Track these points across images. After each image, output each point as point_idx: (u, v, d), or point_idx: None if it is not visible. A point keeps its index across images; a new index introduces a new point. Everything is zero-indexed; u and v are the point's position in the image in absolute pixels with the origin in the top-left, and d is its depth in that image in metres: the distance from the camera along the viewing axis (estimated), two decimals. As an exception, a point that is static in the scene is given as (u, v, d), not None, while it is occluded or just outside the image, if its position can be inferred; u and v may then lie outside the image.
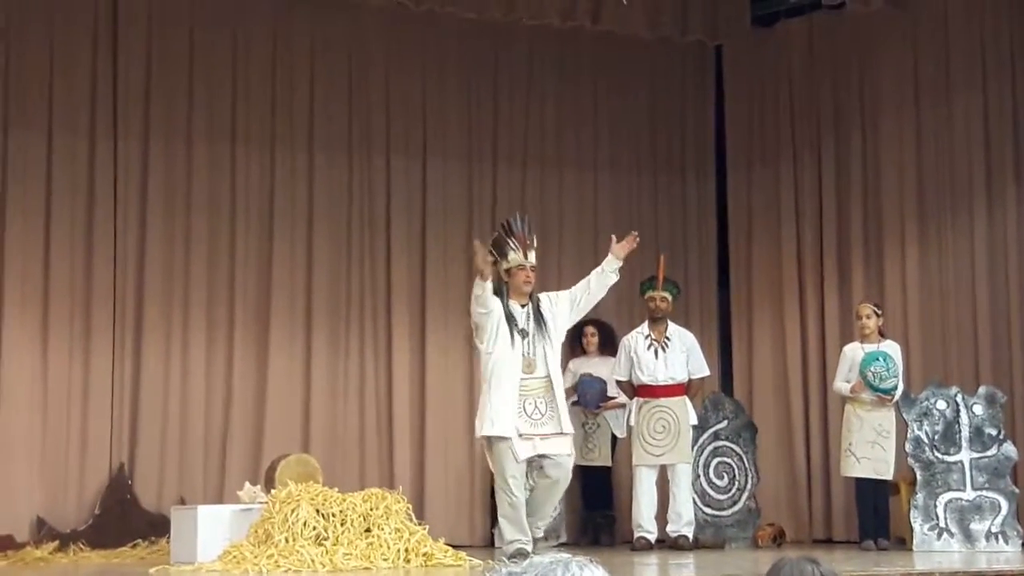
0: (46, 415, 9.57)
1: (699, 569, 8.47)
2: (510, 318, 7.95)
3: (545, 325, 8.02)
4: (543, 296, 8.15)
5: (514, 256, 7.96)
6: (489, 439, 7.86)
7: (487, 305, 7.89)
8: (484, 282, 7.81)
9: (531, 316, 8.01)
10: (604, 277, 8.11)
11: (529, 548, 7.75)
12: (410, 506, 8.06)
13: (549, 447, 7.89)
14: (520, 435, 7.80)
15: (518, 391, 7.86)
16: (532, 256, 8.01)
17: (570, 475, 8.11)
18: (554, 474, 7.93)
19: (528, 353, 7.94)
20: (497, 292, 7.95)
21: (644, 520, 9.51)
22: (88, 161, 9.90)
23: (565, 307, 8.12)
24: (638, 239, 8.24)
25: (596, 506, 10.44)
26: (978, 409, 9.16)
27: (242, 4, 10.34)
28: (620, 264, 8.10)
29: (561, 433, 7.94)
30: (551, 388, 7.95)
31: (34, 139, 9.76)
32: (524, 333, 7.96)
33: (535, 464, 7.95)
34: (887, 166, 10.59)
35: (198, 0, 10.27)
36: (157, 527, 9.36)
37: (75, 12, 9.93)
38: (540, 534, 8.12)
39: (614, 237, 8.23)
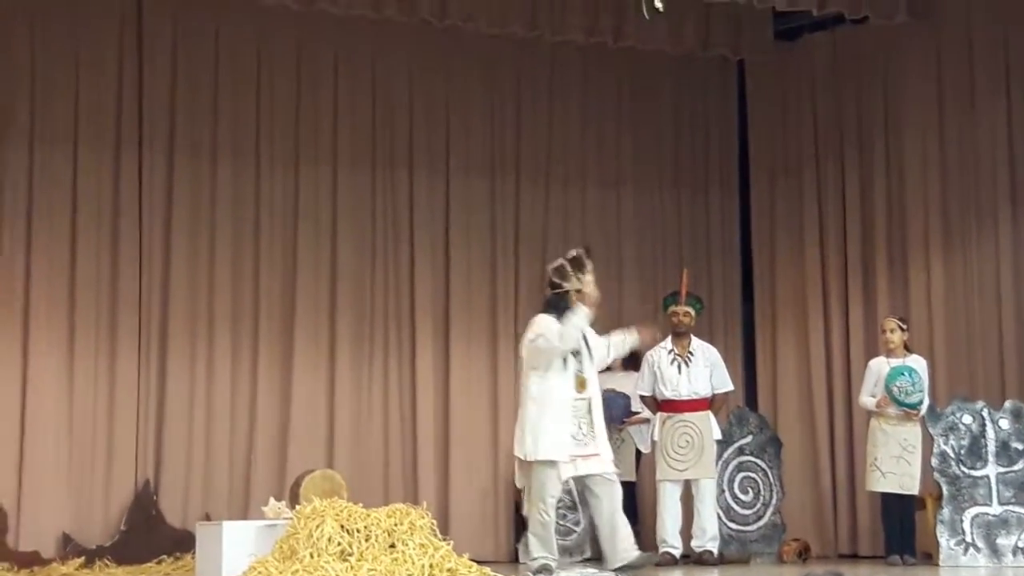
0: (72, 431, 9.60)
1: (724, 585, 8.46)
2: None
3: (588, 345, 8.12)
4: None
5: (588, 279, 8.07)
6: (538, 461, 7.89)
7: (576, 342, 7.98)
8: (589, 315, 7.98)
9: (583, 336, 8.13)
10: (619, 349, 8.36)
11: (554, 565, 7.87)
12: (435, 521, 8.05)
13: (592, 467, 7.99)
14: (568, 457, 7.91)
15: (570, 412, 7.95)
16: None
17: (619, 489, 8.16)
18: (601, 491, 8.00)
19: (579, 371, 8.07)
20: (562, 311, 8.01)
21: (668, 535, 9.50)
22: (113, 176, 9.94)
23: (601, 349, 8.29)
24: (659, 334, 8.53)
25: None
26: (1004, 423, 9.13)
27: (267, 19, 10.37)
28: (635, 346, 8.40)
29: (598, 454, 8.04)
30: (592, 408, 8.06)
31: (60, 153, 9.80)
32: (576, 352, 8.09)
33: (579, 485, 8.03)
34: (911, 178, 10.57)
35: (223, 15, 10.31)
36: (182, 543, 9.37)
37: (100, 27, 9.98)
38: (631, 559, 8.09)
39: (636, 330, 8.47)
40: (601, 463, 8.05)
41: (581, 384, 8.01)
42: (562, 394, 7.95)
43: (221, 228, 10.20)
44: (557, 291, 8.12)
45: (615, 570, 7.99)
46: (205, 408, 9.98)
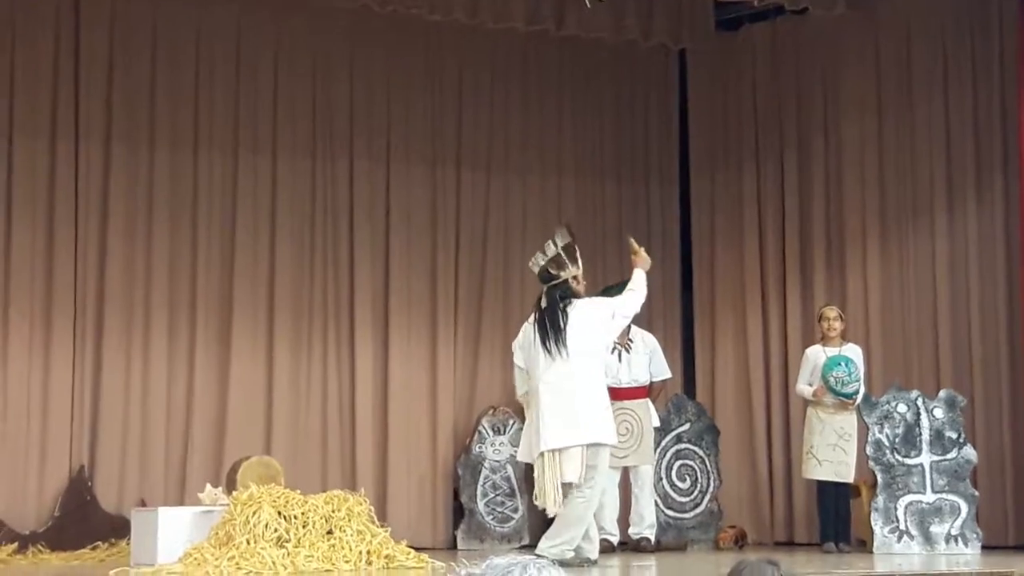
0: (5, 416, 9.49)
1: (661, 571, 8.50)
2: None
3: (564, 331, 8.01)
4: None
5: (580, 263, 8.05)
6: (595, 446, 7.79)
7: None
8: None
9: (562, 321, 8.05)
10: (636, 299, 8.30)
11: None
12: (372, 508, 8.05)
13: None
14: None
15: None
16: None
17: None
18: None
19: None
20: (570, 296, 7.96)
21: (606, 522, 9.50)
22: (49, 165, 9.81)
23: None
24: None
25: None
26: (938, 412, 9.22)
27: (205, 7, 10.29)
28: None
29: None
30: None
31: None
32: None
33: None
34: (849, 170, 10.64)
35: (161, 2, 10.22)
36: (117, 529, 9.30)
37: (37, 15, 9.86)
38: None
39: None
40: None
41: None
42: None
43: (158, 217, 10.10)
44: (554, 282, 7.98)
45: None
46: (141, 393, 9.90)
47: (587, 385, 7.84)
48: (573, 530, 7.79)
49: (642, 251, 8.31)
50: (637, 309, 8.12)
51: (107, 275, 9.91)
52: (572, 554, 7.70)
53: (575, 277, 7.93)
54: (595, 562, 7.92)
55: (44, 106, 9.84)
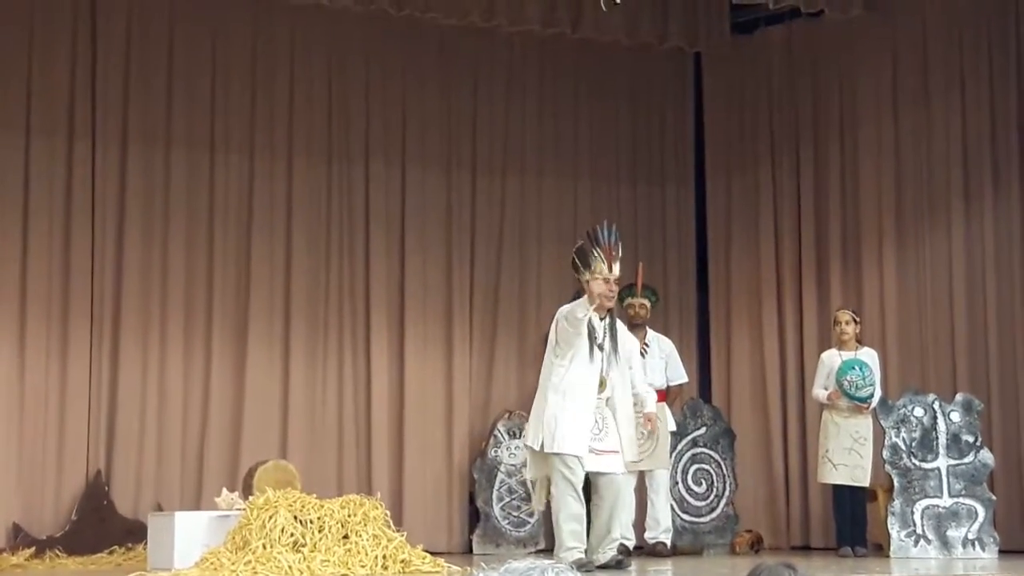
0: (23, 421, 9.51)
1: (677, 576, 8.48)
2: (591, 331, 7.80)
3: (616, 343, 7.90)
4: (619, 319, 8.06)
5: (602, 267, 7.72)
6: (558, 454, 7.68)
7: (581, 328, 7.73)
8: (591, 309, 7.67)
9: (607, 331, 7.89)
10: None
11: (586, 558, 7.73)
12: (388, 513, 8.05)
13: (604, 464, 7.79)
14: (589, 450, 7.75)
15: (593, 407, 7.78)
16: (616, 268, 7.80)
17: (624, 493, 8.07)
18: (607, 494, 7.81)
19: (603, 370, 7.85)
20: (576, 298, 7.82)
21: (622, 526, 9.47)
22: (66, 164, 9.84)
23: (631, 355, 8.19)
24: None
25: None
26: (955, 416, 9.19)
27: (222, 8, 10.30)
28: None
29: (616, 451, 7.85)
30: (613, 408, 7.87)
31: (11, 141, 9.70)
32: (602, 348, 7.85)
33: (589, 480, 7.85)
34: (866, 172, 10.62)
35: (178, 3, 10.24)
36: (134, 533, 9.31)
37: (54, 14, 9.88)
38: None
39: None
40: (611, 462, 7.83)
41: (602, 383, 7.80)
42: (586, 388, 7.73)
43: (175, 219, 10.12)
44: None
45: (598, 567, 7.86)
46: (157, 398, 9.91)
47: (541, 388, 7.92)
48: (558, 533, 7.76)
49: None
50: (577, 316, 7.73)
51: (124, 278, 9.93)
52: (580, 555, 7.67)
53: (587, 282, 7.78)
54: (613, 565, 7.86)
55: (61, 108, 9.87)
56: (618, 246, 7.83)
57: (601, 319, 7.86)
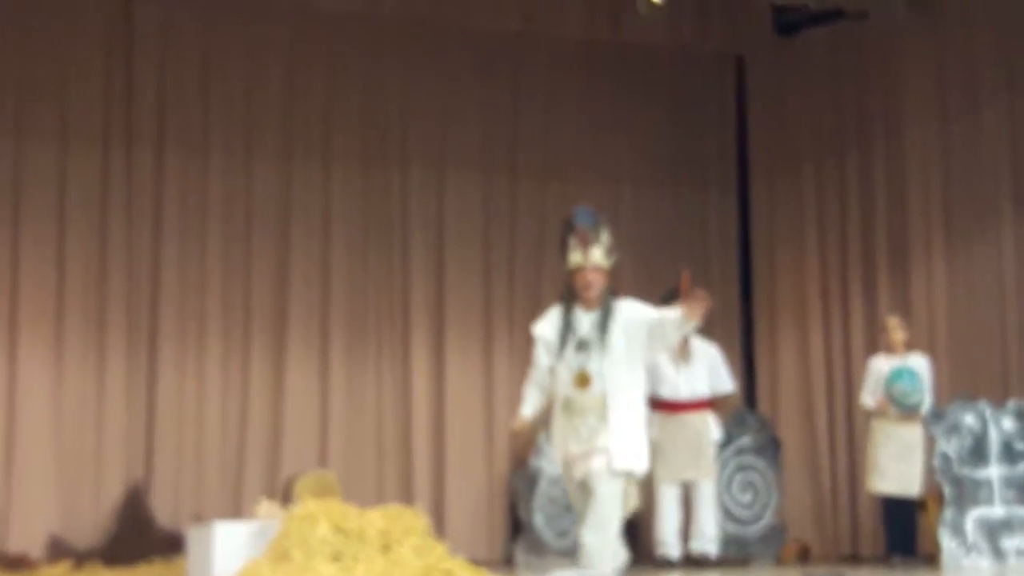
0: (61, 432, 9.49)
1: (722, 587, 8.37)
2: (570, 328, 7.02)
3: (606, 334, 6.98)
4: (627, 304, 7.05)
5: (572, 257, 6.92)
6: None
7: (537, 344, 7.14)
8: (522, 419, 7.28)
9: (597, 325, 7.01)
10: (664, 339, 7.19)
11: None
12: (429, 522, 7.96)
13: (585, 466, 7.05)
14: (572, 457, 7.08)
15: (569, 411, 7.06)
16: (596, 254, 6.93)
17: (604, 492, 7.53)
18: (585, 495, 7.16)
19: (583, 366, 7.00)
20: (564, 297, 7.06)
21: (667, 536, 9.39)
22: (102, 174, 9.84)
23: (643, 331, 7.07)
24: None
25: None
26: (1007, 424, 9.04)
27: (258, 15, 10.26)
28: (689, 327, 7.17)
29: (601, 450, 6.99)
30: (605, 407, 6.99)
31: (47, 148, 9.69)
32: (582, 345, 7.04)
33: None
34: (912, 176, 10.47)
35: (213, 11, 10.20)
36: (173, 544, 9.26)
37: (88, 21, 9.88)
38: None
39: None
40: (590, 463, 7.01)
41: (582, 380, 6.98)
42: (562, 390, 7.06)
43: (211, 227, 10.10)
44: None
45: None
46: (196, 408, 9.88)
47: None
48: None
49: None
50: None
51: (161, 287, 9.92)
52: (623, 559, 7.37)
53: (569, 272, 6.96)
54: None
55: (97, 114, 9.87)
56: (598, 230, 6.98)
57: (589, 312, 6.99)
